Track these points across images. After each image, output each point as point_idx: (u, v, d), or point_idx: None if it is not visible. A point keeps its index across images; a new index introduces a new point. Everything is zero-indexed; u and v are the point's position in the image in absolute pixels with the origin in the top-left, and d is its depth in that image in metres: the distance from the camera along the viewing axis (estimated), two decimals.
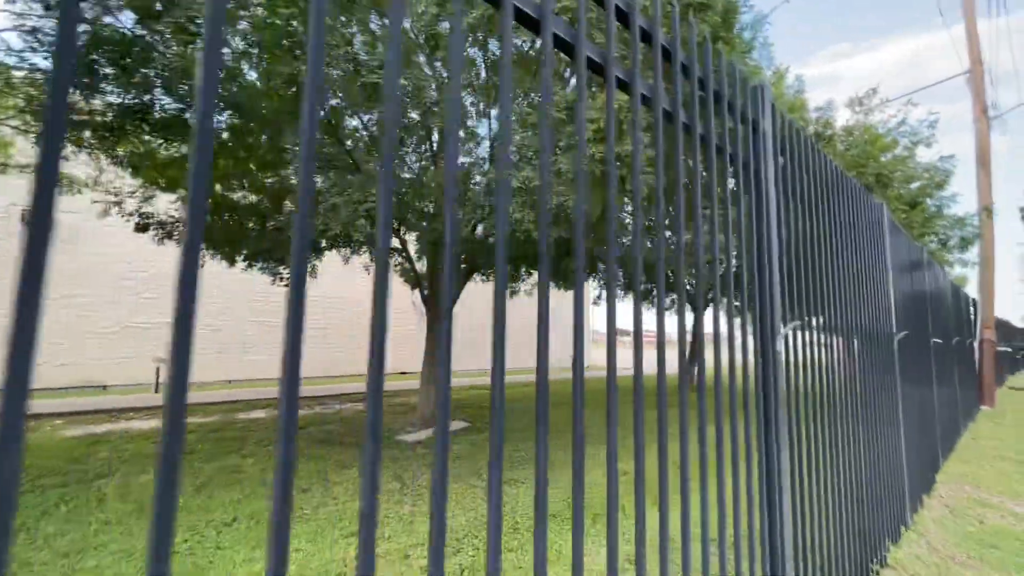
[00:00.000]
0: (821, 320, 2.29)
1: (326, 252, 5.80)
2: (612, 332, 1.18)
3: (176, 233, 4.95)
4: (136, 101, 3.30)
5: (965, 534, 3.28)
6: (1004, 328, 17.10)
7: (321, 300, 12.83)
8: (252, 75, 4.00)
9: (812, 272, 2.14)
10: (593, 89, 4.03)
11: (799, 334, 2.01)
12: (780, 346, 1.75)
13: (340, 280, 12.75)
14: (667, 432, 1.28)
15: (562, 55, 1.11)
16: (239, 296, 11.16)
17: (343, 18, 3.70)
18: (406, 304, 13.61)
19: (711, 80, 1.49)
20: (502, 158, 0.94)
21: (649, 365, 1.78)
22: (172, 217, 4.95)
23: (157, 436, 5.41)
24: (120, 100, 3.33)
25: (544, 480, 0.95)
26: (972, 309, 9.87)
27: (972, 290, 9.83)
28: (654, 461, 4.31)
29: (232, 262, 5.50)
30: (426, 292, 6.07)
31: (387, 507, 3.50)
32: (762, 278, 1.73)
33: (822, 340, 2.26)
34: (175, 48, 3.71)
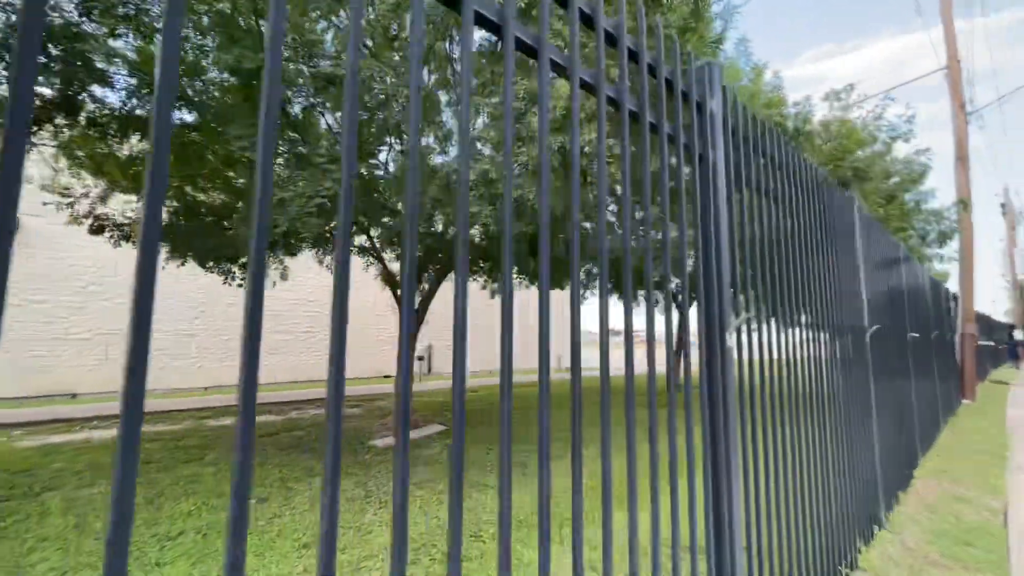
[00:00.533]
0: (783, 313, 2.19)
1: (301, 251, 5.65)
2: (576, 336, 1.13)
3: (133, 235, 4.76)
4: (65, 92, 3.13)
5: (941, 532, 3.20)
6: (985, 322, 17.28)
7: (304, 303, 12.62)
8: (211, 70, 3.85)
9: (770, 263, 2.03)
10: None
11: (759, 329, 1.91)
12: (731, 341, 1.64)
13: (327, 281, 12.55)
14: (606, 439, 1.16)
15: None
16: (215, 299, 10.92)
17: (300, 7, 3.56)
18: (392, 305, 13.45)
19: (644, 52, 1.37)
20: (462, 155, 0.93)
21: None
22: (128, 218, 4.76)
23: (113, 447, 5.20)
24: (51, 91, 3.16)
25: (507, 487, 0.92)
26: (953, 304, 9.91)
27: (954, 285, 9.88)
28: (619, 465, 4.22)
29: (201, 264, 5.32)
30: (399, 293, 5.92)
31: (347, 516, 3.35)
32: (708, 268, 1.62)
33: (785, 335, 2.16)
34: (123, 39, 3.55)
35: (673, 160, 1.55)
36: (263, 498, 3.71)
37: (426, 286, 6.02)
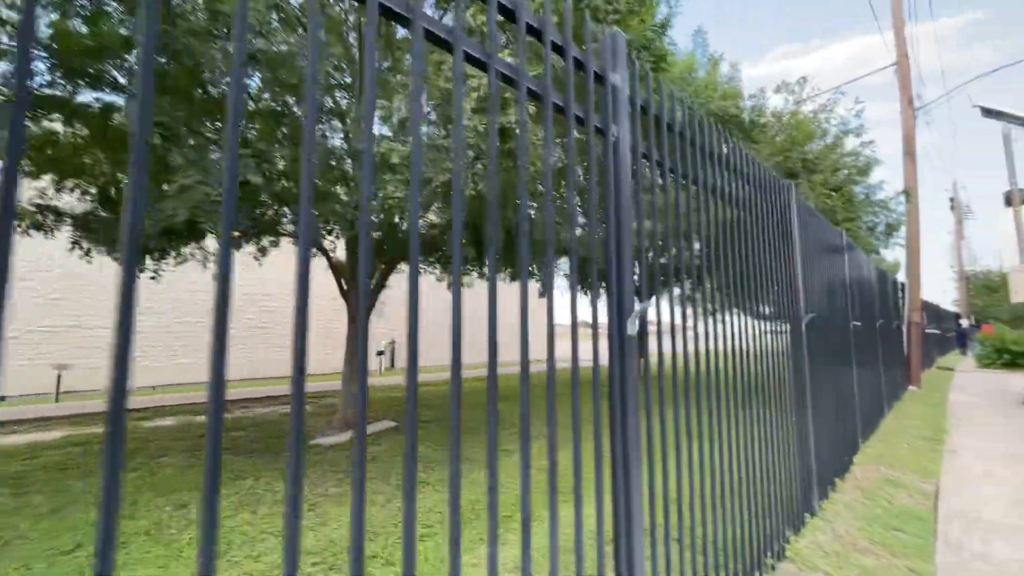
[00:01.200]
0: (704, 301, 2.11)
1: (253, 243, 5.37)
2: (494, 327, 1.09)
3: (45, 225, 4.40)
4: None
5: (872, 517, 3.23)
6: (934, 311, 18.06)
7: (259, 296, 12.17)
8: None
9: (689, 248, 1.95)
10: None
11: (683, 317, 1.82)
12: (632, 328, 1.54)
13: (283, 275, 12.16)
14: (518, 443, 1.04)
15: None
16: (161, 295, 10.41)
17: None
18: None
19: (523, 12, 1.24)
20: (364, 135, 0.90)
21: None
22: (35, 206, 4.39)
23: (29, 453, 4.85)
24: None
25: (456, 486, 0.92)
26: (900, 293, 10.24)
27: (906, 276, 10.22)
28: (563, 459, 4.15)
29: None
30: (345, 286, 5.70)
31: (268, 522, 3.16)
32: (614, 253, 1.51)
33: (707, 323, 2.09)
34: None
35: (586, 142, 1.43)
36: (184, 504, 3.48)
37: (372, 280, 5.82)
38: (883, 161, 8.00)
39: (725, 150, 2.33)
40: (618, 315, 1.52)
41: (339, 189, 4.27)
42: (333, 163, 4.15)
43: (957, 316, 28.28)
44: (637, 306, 1.56)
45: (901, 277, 10.44)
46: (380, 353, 11.79)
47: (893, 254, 9.34)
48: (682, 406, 1.86)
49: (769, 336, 2.72)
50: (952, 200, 29.57)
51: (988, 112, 8.79)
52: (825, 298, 3.97)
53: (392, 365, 13.27)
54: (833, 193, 6.84)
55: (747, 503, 2.24)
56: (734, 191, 2.42)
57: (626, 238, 1.55)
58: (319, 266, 6.26)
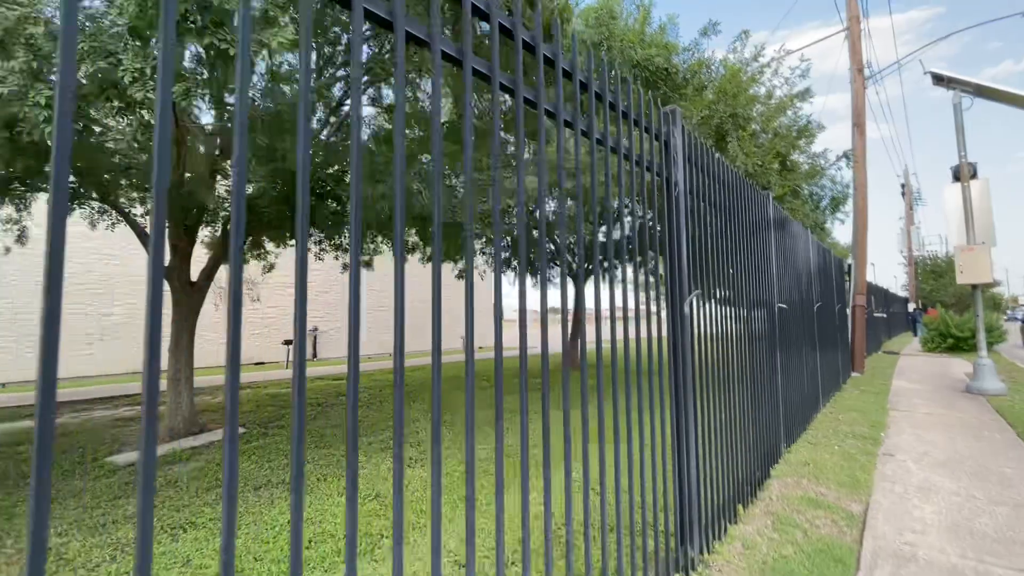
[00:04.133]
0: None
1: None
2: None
3: None
4: None
5: (777, 563, 2.42)
6: (882, 295, 18.01)
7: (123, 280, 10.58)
8: None
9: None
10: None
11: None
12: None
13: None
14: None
15: None
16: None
17: None
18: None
19: None
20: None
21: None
22: None
23: None
24: None
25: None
26: (847, 275, 9.73)
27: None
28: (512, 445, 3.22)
29: None
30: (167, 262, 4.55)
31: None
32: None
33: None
34: None
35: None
36: None
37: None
38: (826, 127, 7.31)
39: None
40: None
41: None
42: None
43: (906, 300, 28.85)
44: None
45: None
46: (289, 343, 10.59)
47: (846, 237, 8.84)
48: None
49: (636, 318, 1.81)
50: (903, 186, 29.97)
51: (939, 79, 8.19)
52: (735, 274, 3.12)
53: (315, 356, 12.11)
54: (773, 157, 6.03)
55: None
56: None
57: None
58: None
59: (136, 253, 9.89)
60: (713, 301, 2.80)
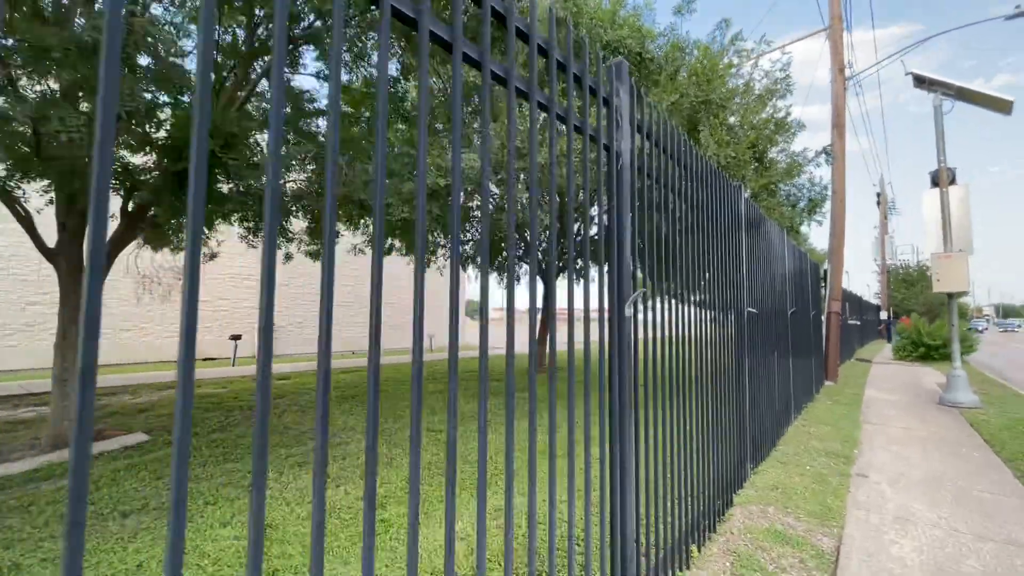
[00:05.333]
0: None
1: None
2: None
3: None
4: None
5: None
6: (856, 302, 18.03)
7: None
8: None
9: None
10: None
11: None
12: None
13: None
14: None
15: None
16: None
17: None
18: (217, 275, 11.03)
19: None
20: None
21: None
22: None
23: None
24: None
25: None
26: (823, 280, 9.49)
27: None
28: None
29: None
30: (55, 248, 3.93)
31: None
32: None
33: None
34: None
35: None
36: None
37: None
38: (806, 126, 6.98)
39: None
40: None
41: None
42: None
43: (879, 308, 29.21)
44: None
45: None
46: (236, 337, 9.92)
47: (821, 242, 8.61)
48: None
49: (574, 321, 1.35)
50: (879, 195, 30.34)
51: (921, 81, 7.95)
52: (697, 272, 2.69)
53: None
54: (747, 154, 5.63)
55: None
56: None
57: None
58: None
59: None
60: (669, 302, 2.36)
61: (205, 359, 10.47)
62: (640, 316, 1.99)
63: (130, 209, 3.96)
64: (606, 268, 1.81)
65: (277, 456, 3.95)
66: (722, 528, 2.80)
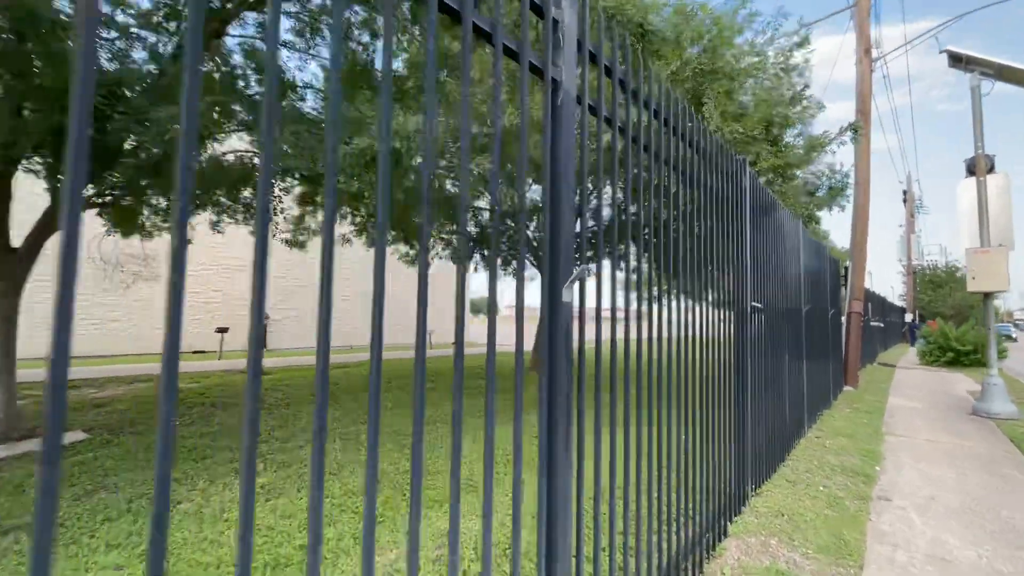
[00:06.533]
0: None
1: None
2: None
3: None
4: None
5: None
6: (879, 303, 17.15)
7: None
8: None
9: None
10: None
11: None
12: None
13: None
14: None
15: None
16: None
17: None
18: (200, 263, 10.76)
19: None
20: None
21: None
22: None
23: None
24: None
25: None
26: (843, 278, 8.84)
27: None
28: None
29: None
30: None
31: None
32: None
33: None
34: None
35: None
36: None
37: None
38: (825, 107, 6.34)
39: None
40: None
41: None
42: None
43: (903, 311, 28.03)
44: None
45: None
46: (222, 330, 9.61)
47: (843, 239, 7.93)
48: None
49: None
50: (905, 193, 29.07)
51: (957, 60, 7.26)
52: (680, 252, 2.20)
53: (264, 345, 11.15)
54: (756, 129, 5.01)
55: None
56: None
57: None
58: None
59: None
60: (642, 288, 1.89)
61: (195, 352, 10.22)
62: (607, 304, 1.52)
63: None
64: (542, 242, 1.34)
65: (219, 461, 3.57)
66: (711, 568, 2.30)
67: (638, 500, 1.81)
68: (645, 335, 1.92)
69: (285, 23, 4.80)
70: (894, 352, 20.24)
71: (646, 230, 1.82)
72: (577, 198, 1.45)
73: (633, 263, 1.92)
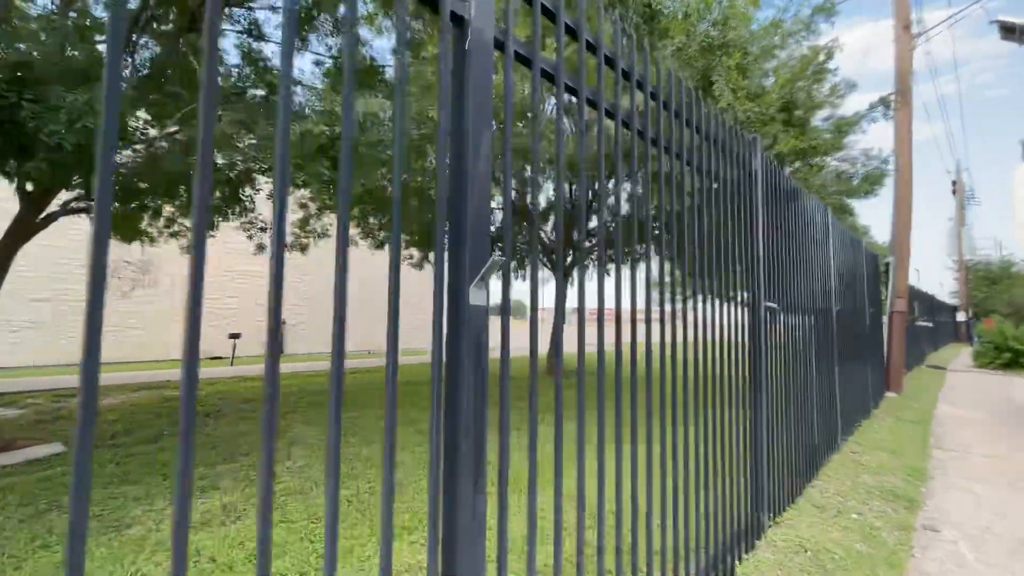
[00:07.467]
0: None
1: None
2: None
3: None
4: None
5: None
6: (927, 301, 15.99)
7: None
8: None
9: None
10: None
11: None
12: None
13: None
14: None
15: None
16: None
17: None
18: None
19: None
20: None
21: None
22: None
23: None
24: None
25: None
26: (885, 275, 8.16)
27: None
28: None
29: None
30: None
31: None
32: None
33: None
34: None
35: None
36: None
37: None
38: (857, 84, 5.72)
39: None
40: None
41: None
42: None
43: (954, 309, 26.24)
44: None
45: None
46: (235, 336, 9.63)
47: (883, 234, 7.22)
48: None
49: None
50: (955, 183, 27.27)
51: (1010, 30, 6.57)
52: (668, 245, 1.85)
53: (282, 350, 11.18)
54: (773, 107, 4.50)
55: None
56: None
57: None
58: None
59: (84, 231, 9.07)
60: (617, 284, 1.57)
61: (213, 358, 10.29)
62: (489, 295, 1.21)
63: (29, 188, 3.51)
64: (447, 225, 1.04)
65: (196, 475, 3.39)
66: None
67: (619, 532, 1.47)
68: (630, 339, 1.59)
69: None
70: (945, 353, 18.88)
71: (611, 220, 1.48)
72: (503, 176, 1.14)
73: (610, 264, 1.59)
